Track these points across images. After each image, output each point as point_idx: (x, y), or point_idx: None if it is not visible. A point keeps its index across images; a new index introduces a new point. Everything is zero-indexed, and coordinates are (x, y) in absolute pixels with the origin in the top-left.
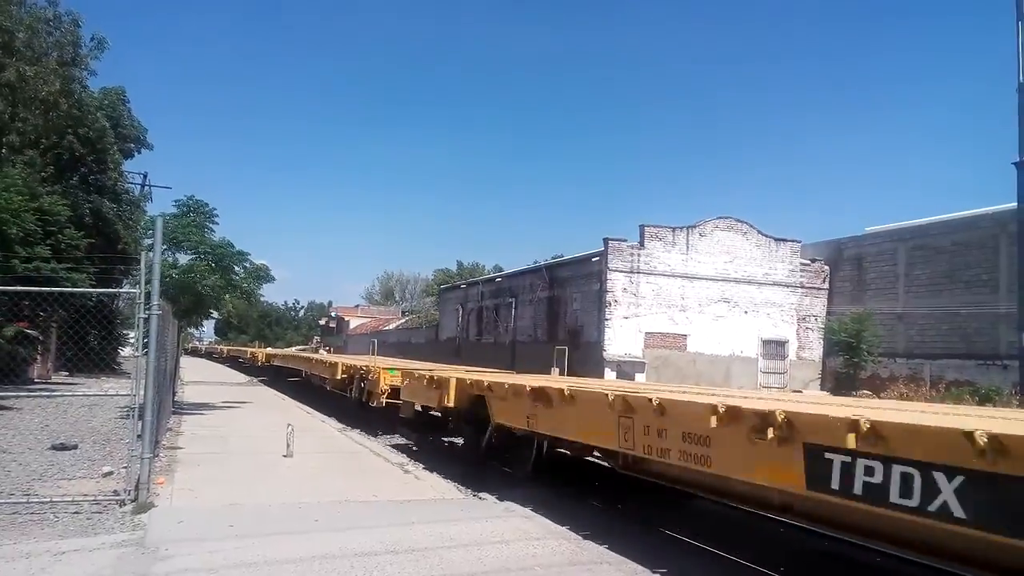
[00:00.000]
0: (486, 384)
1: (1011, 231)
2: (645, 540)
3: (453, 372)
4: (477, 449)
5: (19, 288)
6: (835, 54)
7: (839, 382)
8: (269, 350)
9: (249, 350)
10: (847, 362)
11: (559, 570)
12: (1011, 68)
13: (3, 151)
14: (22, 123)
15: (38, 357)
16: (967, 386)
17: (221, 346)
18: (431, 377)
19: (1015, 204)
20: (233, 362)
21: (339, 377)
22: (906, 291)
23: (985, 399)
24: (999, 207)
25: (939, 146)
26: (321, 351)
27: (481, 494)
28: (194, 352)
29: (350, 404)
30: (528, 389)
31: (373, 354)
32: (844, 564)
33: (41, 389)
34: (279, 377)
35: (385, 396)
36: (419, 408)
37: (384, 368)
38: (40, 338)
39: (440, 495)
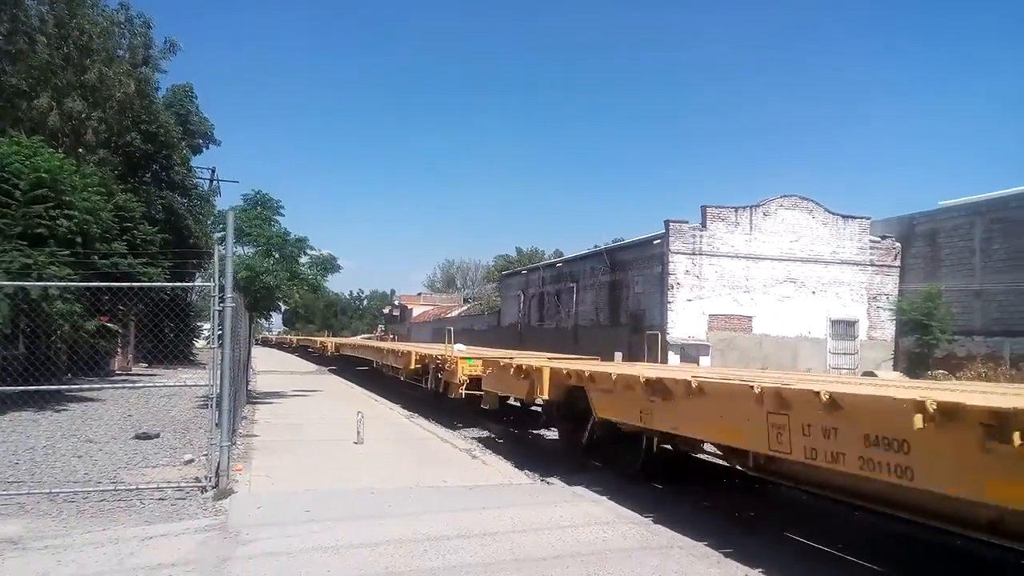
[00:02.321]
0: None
1: None
2: (715, 524)
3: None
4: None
5: (99, 284)
6: (903, 23)
7: (912, 362)
8: (338, 340)
9: (318, 340)
10: (919, 341)
11: (630, 554)
12: None
13: (80, 150)
14: (97, 123)
15: (119, 350)
16: None
17: (291, 336)
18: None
19: None
20: (303, 352)
21: (413, 367)
22: (983, 266)
23: None
24: None
25: (1015, 114)
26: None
27: (549, 479)
28: (265, 343)
29: (424, 394)
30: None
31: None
32: (936, 552)
33: (123, 380)
34: (347, 366)
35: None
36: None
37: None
38: (120, 331)
39: (508, 480)
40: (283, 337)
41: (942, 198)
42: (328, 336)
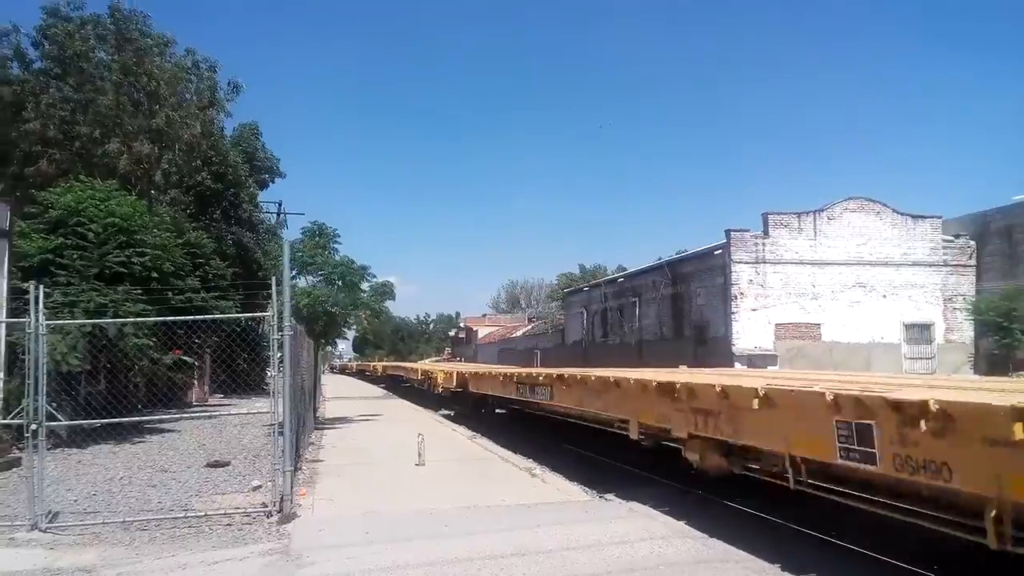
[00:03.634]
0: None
1: None
2: (771, 536)
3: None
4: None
5: (170, 318)
6: (968, 17)
7: (992, 365)
8: (385, 363)
9: (372, 364)
10: (998, 343)
11: (684, 568)
12: None
13: (152, 192)
14: (167, 164)
15: (195, 382)
16: None
17: (353, 363)
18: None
19: None
20: (360, 375)
21: (450, 384)
22: None
23: None
24: None
25: None
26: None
27: (606, 495)
28: (334, 369)
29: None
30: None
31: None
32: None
33: (199, 411)
34: (411, 391)
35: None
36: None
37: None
38: (196, 364)
39: (566, 498)
40: (346, 364)
41: (1016, 193)
42: (393, 360)
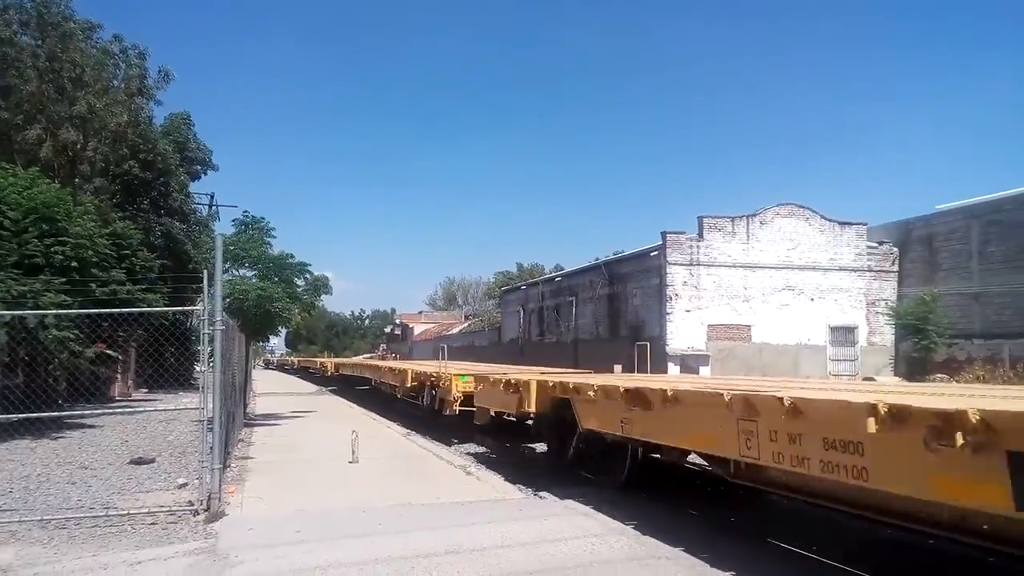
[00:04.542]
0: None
1: None
2: (703, 533)
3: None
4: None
5: (95, 311)
6: (898, 31)
7: (912, 367)
8: (338, 360)
9: (319, 361)
10: (917, 346)
11: (618, 565)
12: None
13: (76, 180)
14: (92, 152)
15: (118, 376)
16: None
17: (292, 358)
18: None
19: None
20: (304, 372)
21: (409, 385)
22: (981, 269)
23: None
24: None
25: (1011, 119)
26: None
27: (541, 493)
28: (267, 365)
29: (422, 412)
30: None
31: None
32: (916, 553)
33: (122, 406)
34: (348, 386)
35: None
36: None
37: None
38: (119, 357)
39: (501, 495)
40: (284, 359)
41: (939, 202)
42: (329, 357)
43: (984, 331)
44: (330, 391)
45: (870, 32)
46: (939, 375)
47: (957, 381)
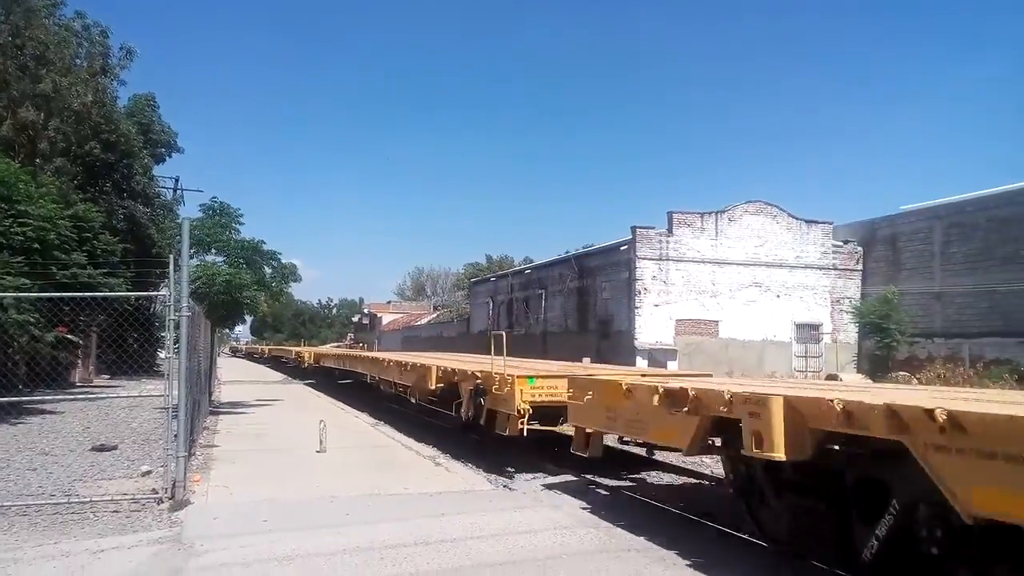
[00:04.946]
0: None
1: None
2: (672, 526)
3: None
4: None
5: (56, 295)
6: (867, 34)
7: (874, 364)
8: (318, 349)
9: (294, 350)
10: (879, 344)
11: (587, 557)
12: None
13: (36, 160)
14: (54, 132)
15: (79, 361)
16: (1007, 364)
17: (262, 346)
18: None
19: None
20: (276, 363)
21: (434, 387)
22: (942, 269)
23: None
24: None
25: (974, 122)
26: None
27: (511, 485)
28: (235, 352)
29: (449, 424)
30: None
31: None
32: None
33: (83, 392)
34: (329, 380)
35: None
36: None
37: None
38: (80, 343)
39: (470, 487)
40: (253, 347)
41: (903, 203)
42: (303, 345)
43: (945, 330)
44: (307, 385)
45: (839, 33)
46: (901, 373)
47: (919, 379)
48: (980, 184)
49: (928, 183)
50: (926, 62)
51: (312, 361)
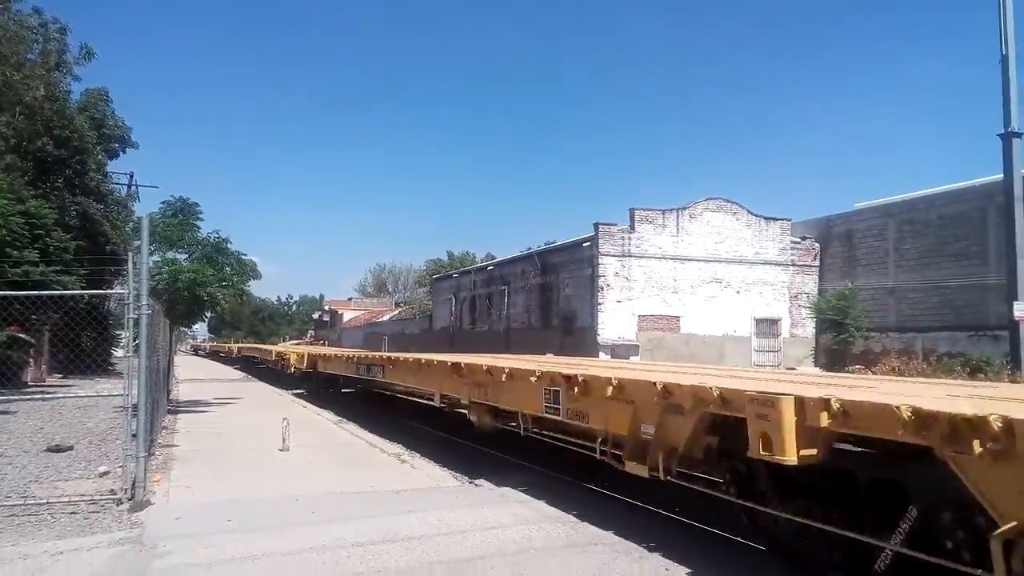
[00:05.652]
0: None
1: (998, 203)
2: (638, 520)
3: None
4: None
5: (8, 293)
6: (820, 35)
7: (831, 359)
8: (320, 350)
9: (272, 349)
10: (836, 339)
11: (554, 552)
12: (995, 41)
13: None
14: (5, 127)
15: (31, 361)
16: (959, 357)
17: (230, 344)
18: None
19: (1001, 176)
20: (249, 364)
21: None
22: (896, 265)
23: (976, 370)
24: (986, 179)
25: (927, 121)
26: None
27: (477, 481)
28: (206, 352)
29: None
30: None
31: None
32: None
33: (36, 392)
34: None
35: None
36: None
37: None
38: (32, 342)
39: (436, 483)
40: (219, 345)
41: (858, 200)
42: (266, 344)
43: (899, 325)
44: (256, 378)
45: (796, 33)
46: (856, 366)
47: (873, 372)
48: (932, 181)
49: (883, 180)
50: (881, 60)
51: (302, 365)
